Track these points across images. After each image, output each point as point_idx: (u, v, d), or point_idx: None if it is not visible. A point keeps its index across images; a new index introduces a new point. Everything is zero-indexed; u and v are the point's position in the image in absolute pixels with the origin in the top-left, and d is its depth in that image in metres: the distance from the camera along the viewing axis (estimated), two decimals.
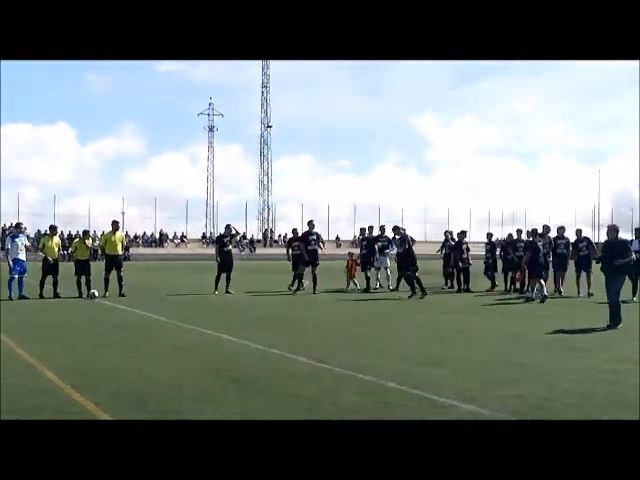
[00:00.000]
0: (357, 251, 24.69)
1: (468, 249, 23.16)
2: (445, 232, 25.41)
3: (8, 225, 66.86)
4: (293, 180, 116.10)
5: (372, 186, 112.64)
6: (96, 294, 18.97)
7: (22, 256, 19.08)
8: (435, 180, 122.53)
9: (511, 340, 11.18)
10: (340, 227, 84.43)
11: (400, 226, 23.11)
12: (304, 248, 21.72)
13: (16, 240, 19.24)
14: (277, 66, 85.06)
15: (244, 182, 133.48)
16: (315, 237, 22.09)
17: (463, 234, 23.46)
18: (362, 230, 24.53)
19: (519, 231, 22.56)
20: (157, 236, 74.62)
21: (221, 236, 22.30)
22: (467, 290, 22.41)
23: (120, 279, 19.79)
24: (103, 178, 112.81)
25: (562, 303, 18.37)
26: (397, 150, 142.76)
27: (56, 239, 20.35)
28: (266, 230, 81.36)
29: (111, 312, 15.84)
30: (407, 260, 20.41)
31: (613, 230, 13.39)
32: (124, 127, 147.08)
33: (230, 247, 21.61)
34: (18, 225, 20.64)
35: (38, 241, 21.49)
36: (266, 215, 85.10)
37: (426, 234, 77.46)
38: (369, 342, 11.06)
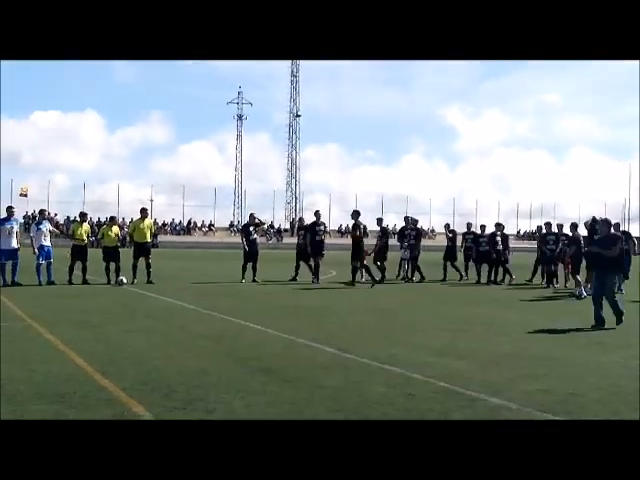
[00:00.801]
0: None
1: (503, 242, 23.20)
2: (467, 223, 25.48)
3: (32, 212, 67.62)
4: (320, 169, 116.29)
5: (399, 176, 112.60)
6: (124, 281, 19.12)
7: (47, 242, 19.27)
8: (462, 171, 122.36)
9: (538, 334, 11.10)
10: (367, 217, 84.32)
11: (410, 217, 23.85)
12: (311, 238, 21.69)
13: (40, 227, 19.43)
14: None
15: (271, 171, 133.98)
16: (322, 227, 22.05)
17: (499, 226, 23.28)
18: (379, 220, 24.39)
19: (548, 224, 22.28)
20: (185, 224, 75.07)
21: (246, 225, 22.33)
22: (496, 282, 22.27)
23: (148, 266, 19.92)
24: (131, 166, 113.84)
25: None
26: (424, 141, 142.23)
27: (85, 226, 20.55)
28: (293, 219, 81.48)
29: (139, 299, 15.97)
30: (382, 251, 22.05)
31: (605, 224, 12.63)
32: (151, 115, 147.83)
33: (255, 236, 21.60)
34: (42, 212, 20.80)
35: (68, 227, 21.60)
36: (294, 204, 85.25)
37: (455, 226, 77.05)
38: (394, 333, 11.04)
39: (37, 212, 56.00)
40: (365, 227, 21.66)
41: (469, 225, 25.66)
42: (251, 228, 21.49)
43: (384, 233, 22.99)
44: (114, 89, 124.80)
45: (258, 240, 22.17)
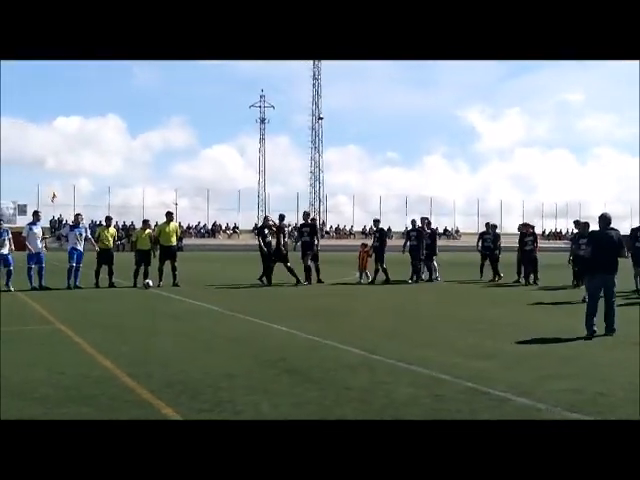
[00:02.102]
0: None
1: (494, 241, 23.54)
2: (486, 224, 25.26)
3: (59, 216, 68.25)
4: (341, 171, 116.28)
5: (421, 178, 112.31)
6: (150, 284, 19.23)
7: (79, 246, 19.44)
8: (484, 172, 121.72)
9: (565, 333, 10.99)
10: (390, 219, 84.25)
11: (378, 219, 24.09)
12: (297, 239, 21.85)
13: (74, 230, 19.65)
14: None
15: (292, 173, 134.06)
16: (309, 229, 21.79)
17: (526, 226, 23.06)
18: (376, 222, 24.27)
19: (585, 224, 21.73)
20: (209, 227, 75.38)
21: (261, 227, 22.29)
22: (535, 282, 22.05)
23: (174, 269, 20.05)
24: (154, 170, 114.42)
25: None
26: (444, 142, 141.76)
27: (111, 230, 20.72)
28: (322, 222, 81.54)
29: (165, 302, 16.05)
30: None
31: (604, 219, 11.39)
32: (172, 119, 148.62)
33: (270, 238, 21.51)
34: (77, 216, 20.96)
35: (94, 231, 21.76)
36: (317, 207, 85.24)
37: (479, 226, 76.75)
38: (419, 334, 11.01)
39: (59, 216, 56.31)
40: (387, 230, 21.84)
41: (488, 225, 25.26)
42: (266, 230, 21.46)
43: (382, 234, 22.95)
44: (135, 93, 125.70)
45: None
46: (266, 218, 22.24)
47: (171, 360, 8.52)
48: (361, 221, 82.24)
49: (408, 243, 22.94)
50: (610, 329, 10.97)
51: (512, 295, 18.64)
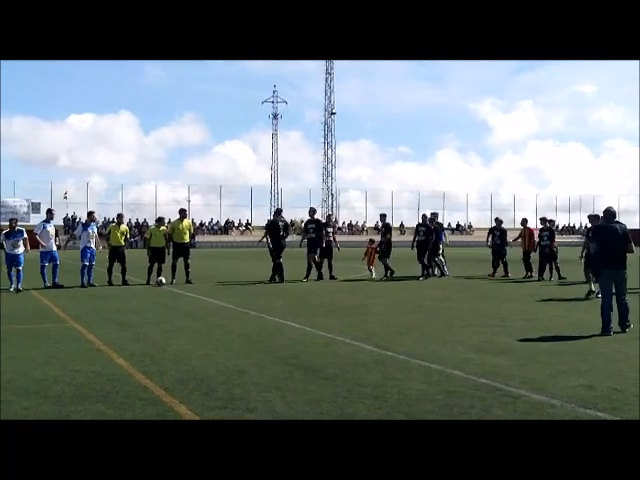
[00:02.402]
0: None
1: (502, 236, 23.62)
2: (496, 219, 25.07)
3: (72, 214, 68.56)
4: (353, 166, 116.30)
5: (433, 173, 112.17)
6: (163, 281, 19.28)
7: (92, 245, 19.48)
8: (497, 166, 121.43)
9: (579, 329, 10.95)
10: (403, 214, 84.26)
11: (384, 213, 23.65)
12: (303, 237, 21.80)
13: (88, 229, 19.68)
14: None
15: (305, 169, 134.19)
16: (314, 226, 21.76)
17: (544, 221, 22.94)
18: (382, 217, 24.07)
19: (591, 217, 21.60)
20: (222, 224, 75.51)
21: (306, 222, 22.24)
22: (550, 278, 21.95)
23: (187, 266, 20.10)
24: (166, 166, 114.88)
25: None
26: (456, 136, 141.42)
27: (123, 227, 20.75)
28: (329, 216, 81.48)
29: (178, 299, 16.10)
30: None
31: (608, 213, 11.15)
32: (184, 116, 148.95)
33: (313, 234, 21.44)
34: (90, 214, 21.01)
35: (105, 228, 21.77)
36: (330, 202, 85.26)
37: (492, 221, 76.62)
38: (432, 330, 11.00)
39: (73, 213, 56.48)
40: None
41: (497, 220, 25.09)
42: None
43: (387, 229, 22.90)
44: (147, 90, 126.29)
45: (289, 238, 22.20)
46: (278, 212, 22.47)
47: (184, 357, 8.55)
48: (374, 217, 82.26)
49: (417, 238, 22.67)
50: (623, 326, 10.77)
51: (525, 290, 18.58)
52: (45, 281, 18.62)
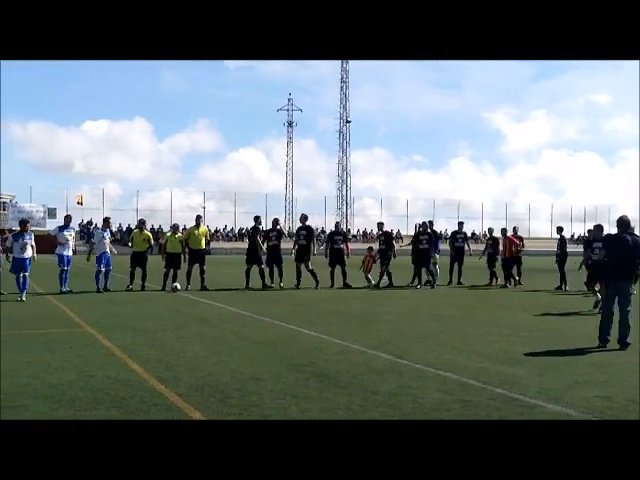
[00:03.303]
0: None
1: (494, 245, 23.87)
2: (513, 227, 25.12)
3: (88, 220, 68.90)
4: (366, 174, 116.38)
5: (447, 181, 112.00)
6: (178, 287, 19.32)
7: (107, 250, 19.52)
8: (511, 175, 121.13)
9: (595, 340, 10.86)
10: (417, 222, 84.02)
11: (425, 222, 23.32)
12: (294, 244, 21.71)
13: (105, 235, 19.76)
14: (353, 61, 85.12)
15: (317, 177, 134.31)
16: (305, 232, 21.65)
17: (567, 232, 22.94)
18: (380, 225, 24.06)
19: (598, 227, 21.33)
20: (236, 231, 75.64)
21: (268, 231, 22.14)
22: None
23: (202, 272, 20.14)
24: (180, 173, 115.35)
25: None
26: (470, 145, 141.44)
27: (146, 233, 20.84)
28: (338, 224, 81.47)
29: (193, 305, 16.12)
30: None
31: (622, 223, 10.68)
32: (199, 122, 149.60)
33: (276, 242, 21.42)
34: (106, 220, 21.06)
35: (128, 234, 21.75)
36: (345, 210, 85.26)
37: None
38: (447, 338, 10.95)
39: (90, 220, 56.60)
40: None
41: (515, 229, 25.15)
42: (272, 234, 21.43)
43: (386, 238, 22.85)
44: (161, 96, 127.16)
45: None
46: (276, 220, 22.70)
47: (199, 364, 8.55)
48: (388, 225, 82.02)
49: (419, 247, 22.20)
50: (622, 343, 10.14)
51: (541, 301, 18.49)
52: (63, 287, 18.61)
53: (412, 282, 22.43)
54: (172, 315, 13.95)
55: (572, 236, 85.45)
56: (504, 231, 24.25)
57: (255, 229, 21.71)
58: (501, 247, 23.55)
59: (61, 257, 18.70)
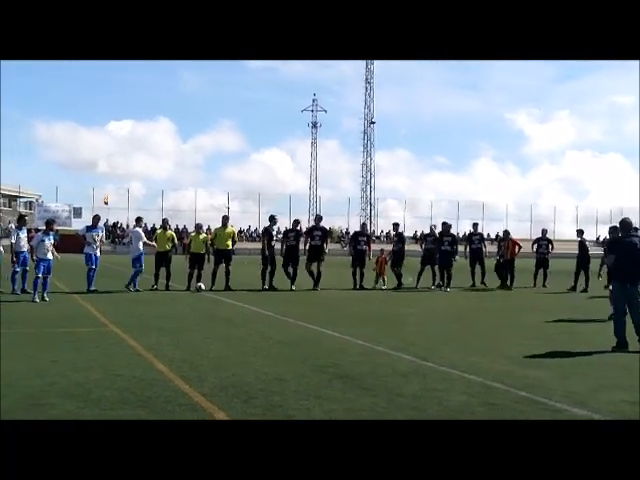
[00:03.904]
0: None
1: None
2: (542, 229, 25.02)
3: (114, 220, 69.38)
4: (389, 175, 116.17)
5: (470, 182, 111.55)
6: (202, 287, 19.38)
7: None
8: (535, 176, 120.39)
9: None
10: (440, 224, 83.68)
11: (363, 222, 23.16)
12: (306, 243, 21.50)
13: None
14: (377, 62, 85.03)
15: (341, 177, 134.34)
16: (320, 233, 21.57)
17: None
18: (395, 226, 24.09)
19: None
20: (260, 231, 75.82)
21: (287, 231, 22.23)
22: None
23: (227, 273, 20.15)
24: (204, 173, 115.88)
25: None
26: (492, 146, 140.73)
27: (169, 232, 20.93)
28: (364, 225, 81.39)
29: (217, 305, 16.18)
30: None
31: (624, 225, 10.74)
32: (222, 123, 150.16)
33: (294, 242, 21.35)
34: (139, 219, 21.09)
35: (153, 234, 21.79)
36: (369, 211, 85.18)
37: (531, 233, 75.75)
38: (472, 341, 10.91)
39: (116, 221, 56.86)
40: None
41: (544, 231, 25.22)
42: (291, 234, 21.41)
43: (400, 239, 22.78)
44: (185, 96, 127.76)
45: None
46: (296, 221, 22.80)
47: (223, 364, 8.58)
48: (412, 226, 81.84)
49: (441, 248, 21.95)
50: None
51: (566, 303, 18.36)
52: (90, 286, 18.68)
53: (434, 283, 22.27)
54: (196, 315, 14.01)
55: (597, 239, 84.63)
56: (506, 233, 24.08)
57: (265, 229, 21.75)
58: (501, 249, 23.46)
59: (89, 256, 18.76)
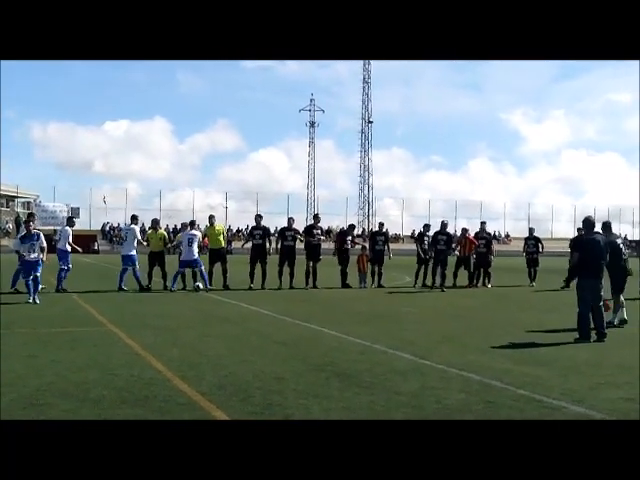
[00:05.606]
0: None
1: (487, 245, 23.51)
2: (530, 228, 25.22)
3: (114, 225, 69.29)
4: (387, 175, 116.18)
5: (466, 181, 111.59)
6: (200, 287, 19.35)
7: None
8: (531, 175, 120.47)
9: (620, 341, 10.81)
10: (438, 223, 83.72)
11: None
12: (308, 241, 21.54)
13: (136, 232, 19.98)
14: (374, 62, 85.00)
15: (338, 177, 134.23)
16: (319, 231, 21.77)
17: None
18: (380, 225, 24.13)
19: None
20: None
21: (283, 229, 22.23)
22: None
23: (225, 271, 20.13)
24: (201, 173, 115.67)
25: None
26: (488, 145, 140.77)
27: (160, 232, 20.85)
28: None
29: (215, 304, 16.17)
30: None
31: (586, 224, 11.64)
32: (219, 123, 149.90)
33: (291, 242, 21.40)
34: (134, 217, 21.00)
35: (144, 234, 21.72)
36: (366, 210, 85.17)
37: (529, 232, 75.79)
38: (470, 339, 10.91)
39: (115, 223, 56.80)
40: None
41: (531, 230, 25.58)
42: (289, 233, 21.47)
43: (386, 238, 23.06)
44: (181, 96, 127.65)
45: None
46: (290, 219, 23.01)
47: (221, 363, 8.57)
48: (409, 225, 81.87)
49: (437, 247, 21.82)
50: (600, 334, 10.90)
51: (564, 300, 18.36)
52: (121, 285, 18.93)
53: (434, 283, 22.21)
54: (194, 314, 14.00)
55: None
56: (464, 230, 24.08)
57: (250, 230, 21.87)
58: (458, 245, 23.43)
59: (128, 257, 19.24)
